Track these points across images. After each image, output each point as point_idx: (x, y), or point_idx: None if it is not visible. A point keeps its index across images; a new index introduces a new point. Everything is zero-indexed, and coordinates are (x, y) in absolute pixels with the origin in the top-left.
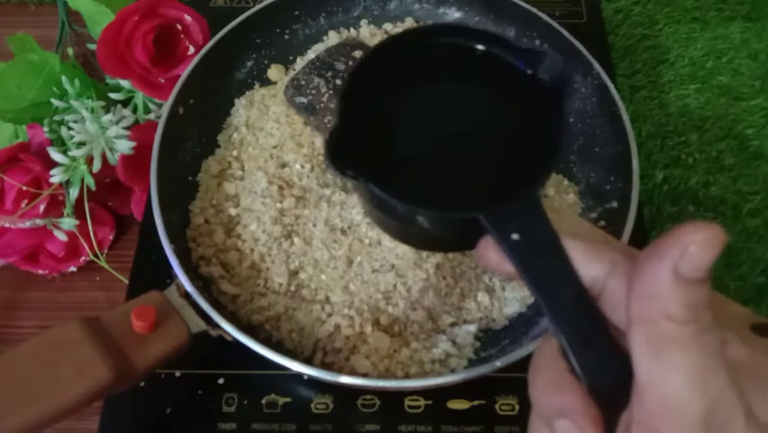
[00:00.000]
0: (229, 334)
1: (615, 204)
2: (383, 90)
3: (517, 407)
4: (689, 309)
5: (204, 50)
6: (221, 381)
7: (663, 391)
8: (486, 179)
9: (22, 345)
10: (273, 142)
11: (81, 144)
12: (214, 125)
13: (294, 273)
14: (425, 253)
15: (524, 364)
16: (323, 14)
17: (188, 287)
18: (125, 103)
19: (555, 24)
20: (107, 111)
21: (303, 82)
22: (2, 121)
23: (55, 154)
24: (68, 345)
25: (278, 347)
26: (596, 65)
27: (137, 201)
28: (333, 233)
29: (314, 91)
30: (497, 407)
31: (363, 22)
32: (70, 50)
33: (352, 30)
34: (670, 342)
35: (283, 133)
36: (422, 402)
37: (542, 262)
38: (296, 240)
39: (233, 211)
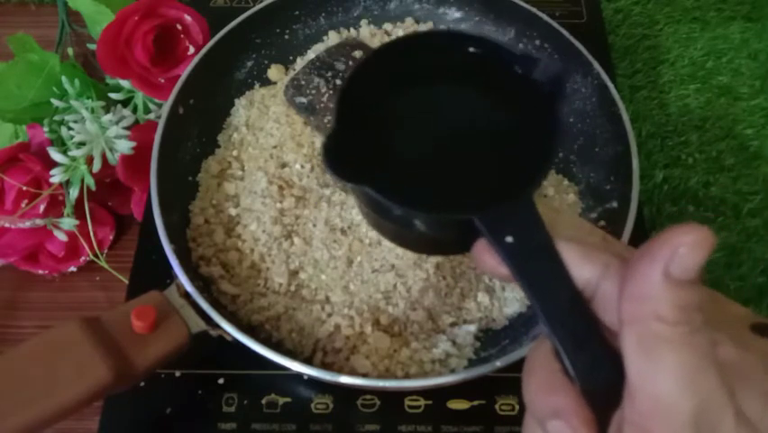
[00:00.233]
0: (229, 334)
1: (615, 204)
2: (379, 94)
3: (517, 407)
4: (679, 310)
5: (204, 50)
6: (221, 381)
7: (654, 391)
8: (481, 181)
9: (22, 345)
10: (273, 142)
11: (81, 144)
12: (214, 125)
13: (294, 273)
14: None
15: (524, 364)
16: (323, 14)
17: (188, 287)
18: (125, 103)
19: (555, 24)
20: (107, 111)
21: (303, 82)
22: (2, 121)
23: (55, 154)
24: (68, 345)
25: (278, 347)
26: (596, 65)
27: (137, 201)
28: (333, 233)
29: (314, 91)
30: (497, 407)
31: (363, 22)
32: (70, 50)
33: (352, 30)
34: (660, 342)
35: (283, 133)
36: (422, 402)
37: (536, 264)
38: (296, 240)
39: (233, 211)
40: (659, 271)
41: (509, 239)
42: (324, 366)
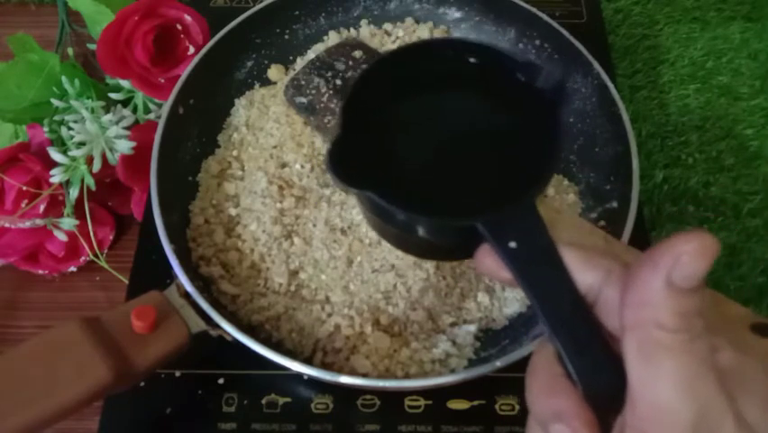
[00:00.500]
0: (229, 334)
1: (615, 204)
2: (382, 100)
3: (517, 407)
4: (679, 318)
5: (204, 50)
6: (221, 381)
7: (654, 397)
8: (484, 187)
9: (22, 345)
10: (273, 142)
11: (81, 144)
12: (214, 125)
13: (294, 273)
14: None
15: (524, 364)
16: (323, 14)
17: (188, 287)
18: (125, 103)
19: (555, 24)
20: (107, 111)
21: (303, 82)
22: (2, 121)
23: (55, 154)
24: (68, 345)
25: (278, 347)
26: (596, 65)
27: (137, 201)
28: (333, 233)
29: (314, 91)
30: (497, 407)
31: (363, 22)
32: (70, 50)
33: (352, 30)
34: (660, 349)
35: (283, 133)
36: (422, 402)
37: (538, 269)
38: (296, 240)
39: (233, 211)
40: (661, 278)
41: (512, 244)
42: (324, 366)
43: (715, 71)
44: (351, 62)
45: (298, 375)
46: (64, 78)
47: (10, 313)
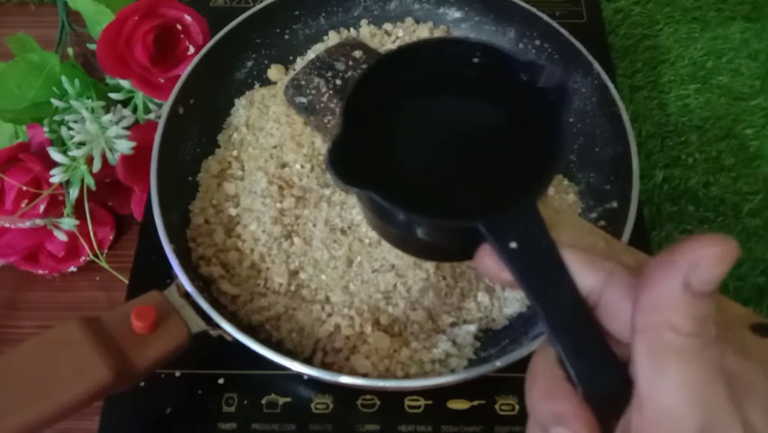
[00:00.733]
0: (229, 334)
1: (615, 204)
2: (384, 100)
3: (517, 407)
4: (694, 322)
5: (204, 50)
6: (221, 381)
7: (662, 402)
8: (485, 188)
9: (22, 345)
10: (273, 142)
11: (81, 144)
12: (214, 125)
13: (294, 273)
14: None
15: (524, 364)
16: (323, 14)
17: (188, 287)
18: (125, 103)
19: (555, 24)
20: (107, 111)
21: (303, 82)
22: (2, 121)
23: (55, 154)
24: (68, 345)
25: (278, 347)
26: (596, 65)
27: (137, 201)
28: (333, 233)
29: (314, 91)
30: (497, 407)
31: (363, 22)
32: (70, 50)
33: (352, 30)
34: (671, 353)
35: (283, 133)
36: (422, 402)
37: (539, 270)
38: (296, 240)
39: (233, 211)
40: (679, 281)
41: (513, 245)
42: (324, 366)
43: (715, 71)
44: (351, 62)
45: (298, 375)
46: (64, 78)
47: (10, 313)
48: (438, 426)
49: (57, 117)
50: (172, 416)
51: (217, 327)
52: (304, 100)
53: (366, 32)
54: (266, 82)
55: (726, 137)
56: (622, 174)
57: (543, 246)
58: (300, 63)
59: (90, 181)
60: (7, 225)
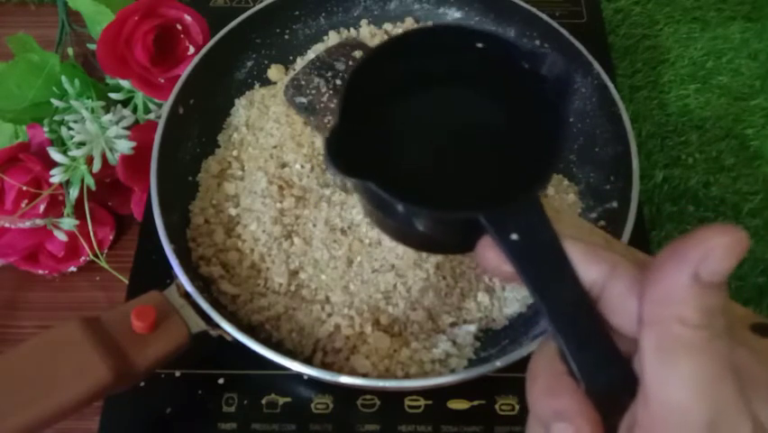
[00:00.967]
0: (229, 334)
1: (615, 204)
2: (384, 90)
3: (517, 407)
4: (703, 314)
5: (204, 50)
6: (221, 381)
7: (669, 396)
8: (486, 179)
9: (22, 345)
10: (273, 142)
11: (81, 144)
12: (214, 125)
13: (294, 273)
14: (425, 253)
15: (524, 364)
16: (323, 14)
17: (188, 287)
18: (125, 103)
19: (555, 24)
20: (107, 111)
21: (303, 82)
22: (2, 121)
23: (55, 154)
24: (68, 345)
25: (278, 347)
26: (596, 65)
27: (137, 201)
28: (333, 233)
29: (314, 91)
30: (497, 407)
31: (363, 22)
32: (70, 50)
33: (352, 30)
34: (680, 346)
35: (283, 133)
36: (422, 402)
37: (541, 263)
38: (296, 240)
39: (233, 211)
40: (688, 273)
41: (514, 236)
42: (324, 366)
43: (715, 71)
44: (351, 62)
45: (298, 375)
46: (64, 78)
47: (10, 313)
48: (438, 426)
49: (57, 117)
50: (172, 416)
51: (217, 326)
52: (304, 100)
53: (366, 32)
54: (266, 82)
55: (726, 137)
56: (622, 174)
57: (545, 238)
58: (300, 63)
59: (90, 181)
60: (7, 225)
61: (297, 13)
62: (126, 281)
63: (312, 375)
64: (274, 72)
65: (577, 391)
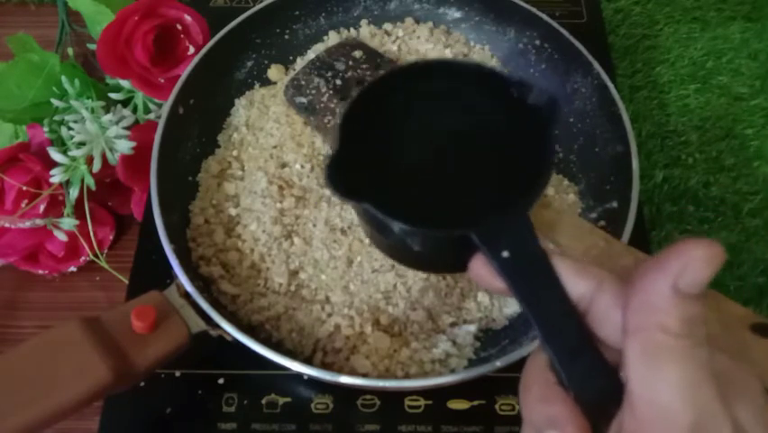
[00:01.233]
0: (229, 334)
1: (615, 204)
2: (379, 114)
3: (517, 407)
4: (684, 323)
5: (204, 50)
6: (221, 381)
7: (654, 400)
8: (478, 198)
9: (22, 345)
10: (273, 142)
11: (81, 144)
12: (214, 125)
13: (294, 273)
14: None
15: (523, 365)
16: (323, 14)
17: (188, 287)
18: (125, 103)
19: (555, 24)
20: (107, 111)
21: (303, 82)
22: (2, 121)
23: (55, 154)
24: (68, 345)
25: (278, 347)
26: (596, 65)
27: (137, 201)
28: (333, 233)
29: (314, 91)
30: (497, 407)
31: (363, 22)
32: (70, 50)
33: (352, 30)
34: (663, 353)
35: (283, 133)
36: (422, 402)
37: (531, 279)
38: (296, 240)
39: (233, 211)
40: (668, 284)
41: (505, 254)
42: (324, 366)
43: (715, 71)
44: (351, 62)
45: (298, 375)
46: (64, 78)
47: (10, 313)
48: (438, 426)
49: (57, 117)
50: (172, 416)
51: (217, 326)
52: (304, 100)
53: (366, 32)
54: (266, 82)
55: (726, 137)
56: (622, 174)
57: (534, 255)
58: (300, 63)
59: (90, 181)
60: (7, 225)
61: (297, 13)
62: (126, 281)
63: (312, 375)
64: (274, 72)
65: (567, 399)
